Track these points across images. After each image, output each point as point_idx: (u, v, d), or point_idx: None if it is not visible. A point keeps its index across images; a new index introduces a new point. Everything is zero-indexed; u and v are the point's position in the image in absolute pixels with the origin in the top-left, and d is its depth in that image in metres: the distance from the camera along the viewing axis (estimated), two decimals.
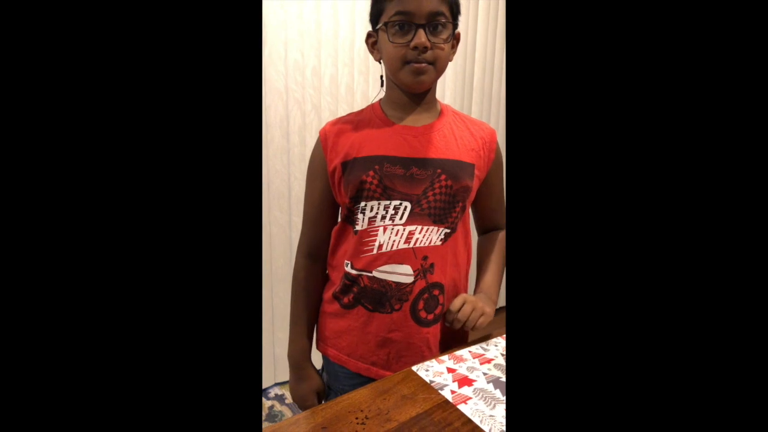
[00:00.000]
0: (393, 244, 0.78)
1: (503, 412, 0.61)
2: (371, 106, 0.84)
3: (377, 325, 0.81)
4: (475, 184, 0.82)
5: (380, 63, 0.80)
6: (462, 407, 0.62)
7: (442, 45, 0.74)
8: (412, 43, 0.72)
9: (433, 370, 0.72)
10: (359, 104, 1.89)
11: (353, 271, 0.82)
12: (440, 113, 0.84)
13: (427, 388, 0.67)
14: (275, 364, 1.90)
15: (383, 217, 0.78)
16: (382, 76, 0.83)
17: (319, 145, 0.83)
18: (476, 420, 0.59)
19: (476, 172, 0.81)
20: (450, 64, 2.14)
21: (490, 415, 0.60)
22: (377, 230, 0.79)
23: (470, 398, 0.64)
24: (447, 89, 2.18)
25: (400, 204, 0.78)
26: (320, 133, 0.83)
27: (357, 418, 0.60)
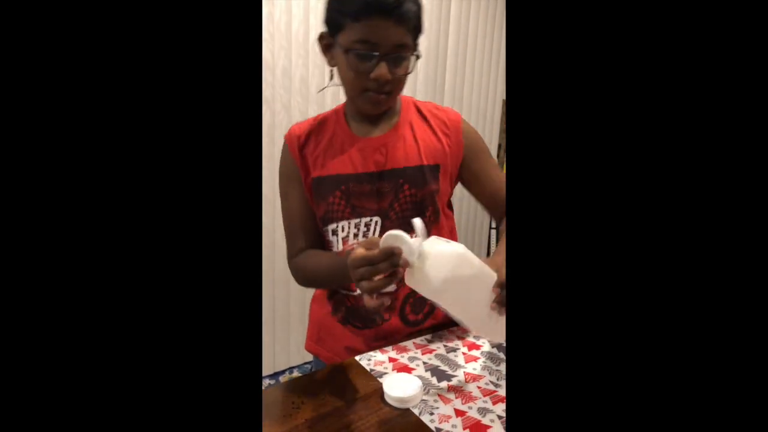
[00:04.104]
0: None
1: (435, 397, 0.64)
2: (336, 114, 0.81)
3: (373, 335, 0.83)
4: (443, 183, 0.80)
5: (332, 67, 0.76)
6: None
7: (403, 76, 0.71)
8: (373, 75, 0.67)
9: (375, 360, 0.74)
10: (330, 105, 1.92)
11: (342, 291, 0.82)
12: (401, 114, 0.80)
13: (367, 375, 0.69)
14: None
15: (356, 235, 0.78)
16: (332, 70, 0.77)
17: (287, 149, 0.80)
18: (415, 409, 0.62)
19: (443, 171, 0.80)
20: (421, 69, 2.19)
21: (423, 400, 0.63)
22: (353, 249, 0.79)
23: None
24: (418, 93, 2.23)
25: (371, 220, 0.77)
26: (286, 138, 0.80)
27: (293, 403, 0.62)
